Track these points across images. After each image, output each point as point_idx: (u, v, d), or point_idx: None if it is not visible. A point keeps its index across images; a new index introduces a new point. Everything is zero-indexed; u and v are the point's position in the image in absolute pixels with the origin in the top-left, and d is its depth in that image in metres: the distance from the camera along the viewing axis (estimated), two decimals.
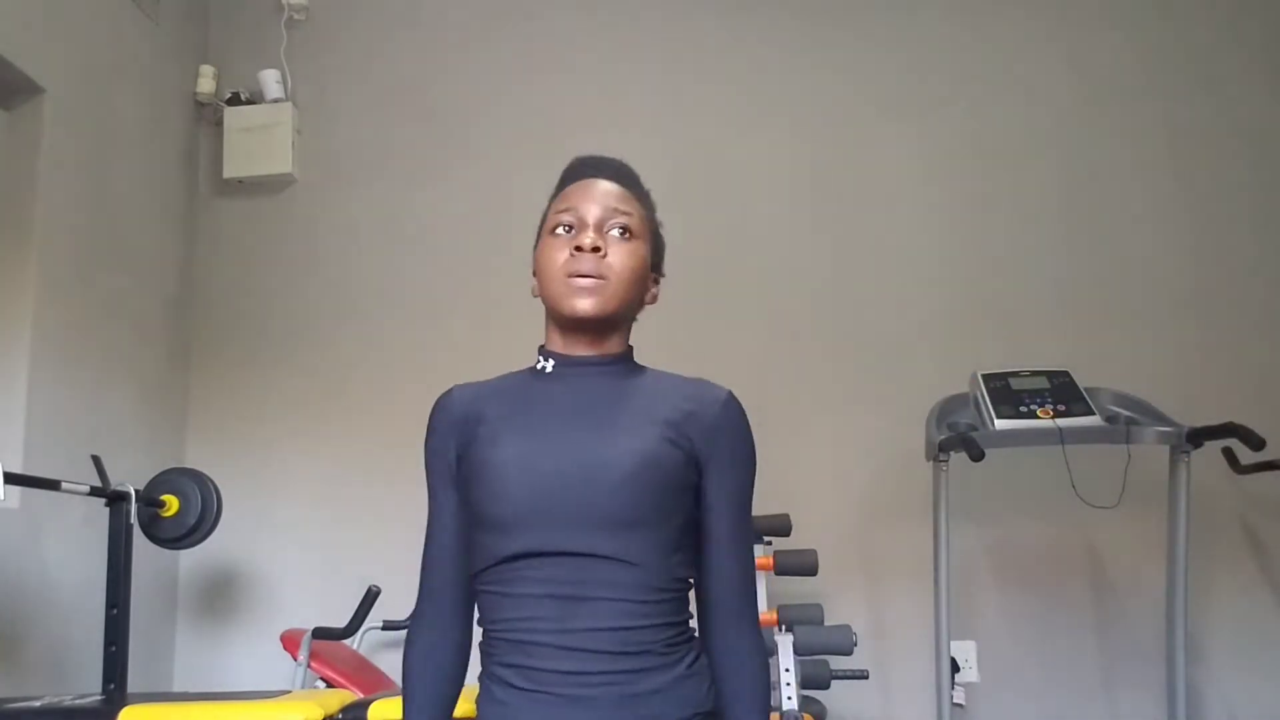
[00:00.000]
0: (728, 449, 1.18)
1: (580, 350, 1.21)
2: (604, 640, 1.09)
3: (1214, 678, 3.06)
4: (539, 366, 1.23)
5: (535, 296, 1.24)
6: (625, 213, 1.20)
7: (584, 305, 1.16)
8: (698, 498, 1.17)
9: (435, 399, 1.28)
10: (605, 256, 1.17)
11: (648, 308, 1.28)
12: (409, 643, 1.24)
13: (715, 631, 1.19)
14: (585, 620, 1.08)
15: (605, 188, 1.22)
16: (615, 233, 1.19)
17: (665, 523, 1.12)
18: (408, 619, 3.07)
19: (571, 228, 1.19)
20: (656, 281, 1.28)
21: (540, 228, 1.25)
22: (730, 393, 1.22)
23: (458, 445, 1.20)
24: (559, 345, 1.23)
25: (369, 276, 3.62)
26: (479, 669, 1.18)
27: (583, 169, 1.26)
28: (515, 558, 1.11)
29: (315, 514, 3.48)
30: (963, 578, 3.08)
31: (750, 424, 1.23)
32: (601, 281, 1.16)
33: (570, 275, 1.16)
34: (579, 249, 1.16)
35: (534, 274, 1.23)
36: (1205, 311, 3.26)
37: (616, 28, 3.69)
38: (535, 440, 1.15)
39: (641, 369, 1.26)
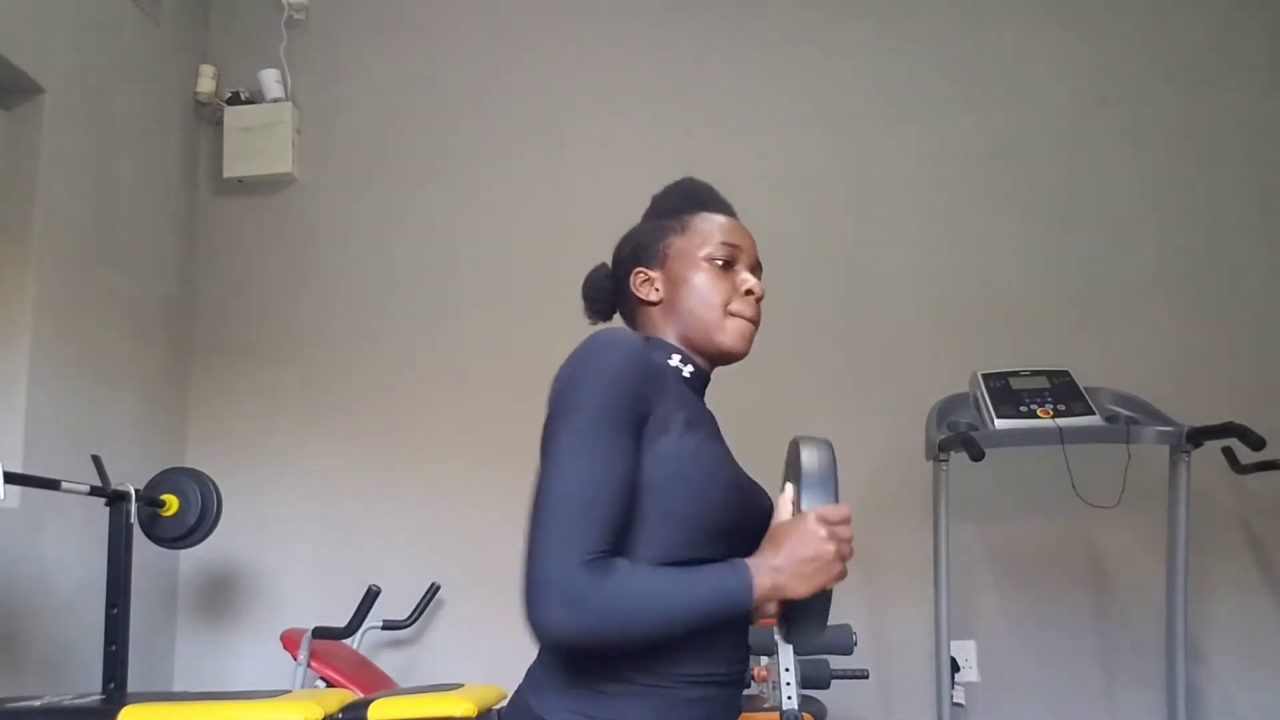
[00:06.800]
0: None
1: (705, 366, 1.22)
2: (744, 643, 1.16)
3: (1214, 678, 3.05)
4: (683, 373, 1.19)
5: (647, 295, 1.22)
6: (760, 262, 1.23)
7: (743, 348, 1.20)
8: None
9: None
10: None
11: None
12: (606, 581, 0.98)
13: None
14: (740, 624, 1.12)
15: (746, 229, 1.23)
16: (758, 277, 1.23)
17: None
18: (408, 619, 3.10)
19: (731, 264, 1.20)
20: None
21: (669, 241, 1.22)
22: None
23: (650, 412, 1.08)
24: (687, 352, 1.21)
25: (368, 276, 3.62)
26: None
27: (714, 202, 1.25)
28: (698, 562, 1.07)
29: (315, 514, 3.48)
30: (963, 578, 3.08)
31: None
32: (756, 327, 1.21)
33: (734, 315, 1.19)
34: (749, 293, 1.19)
35: (653, 271, 1.22)
36: (1205, 311, 3.26)
37: (619, 29, 3.69)
38: (725, 453, 1.15)
39: None
